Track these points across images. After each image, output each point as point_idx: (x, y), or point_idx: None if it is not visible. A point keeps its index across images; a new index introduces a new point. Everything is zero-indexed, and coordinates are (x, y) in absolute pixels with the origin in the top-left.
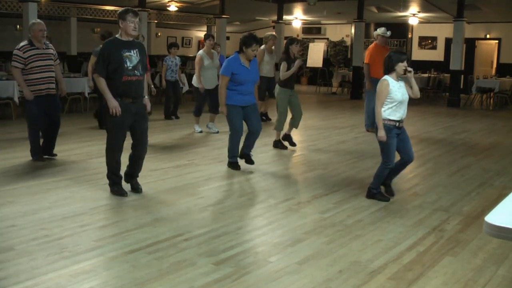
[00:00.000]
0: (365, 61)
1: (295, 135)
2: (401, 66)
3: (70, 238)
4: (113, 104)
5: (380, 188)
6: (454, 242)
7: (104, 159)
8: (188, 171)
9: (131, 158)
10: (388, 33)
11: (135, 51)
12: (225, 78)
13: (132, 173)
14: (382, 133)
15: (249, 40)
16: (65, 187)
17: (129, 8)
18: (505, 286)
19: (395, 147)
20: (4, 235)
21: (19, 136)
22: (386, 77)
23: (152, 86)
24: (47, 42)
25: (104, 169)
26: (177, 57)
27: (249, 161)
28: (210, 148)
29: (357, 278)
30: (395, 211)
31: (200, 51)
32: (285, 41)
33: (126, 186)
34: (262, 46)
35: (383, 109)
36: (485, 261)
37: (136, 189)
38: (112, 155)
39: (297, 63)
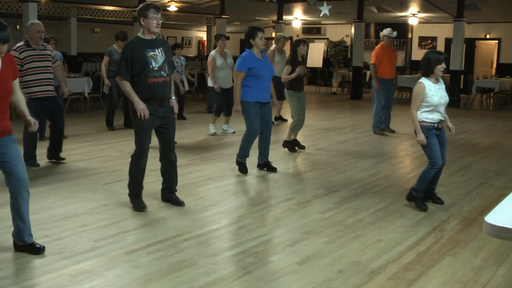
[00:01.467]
0: (371, 62)
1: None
2: (440, 68)
3: (70, 238)
4: (141, 107)
5: (422, 192)
6: (454, 242)
7: (102, 159)
8: (188, 171)
9: (164, 169)
10: (394, 33)
11: (159, 50)
12: (241, 74)
13: (170, 187)
14: (421, 137)
15: (253, 31)
16: (65, 187)
17: (150, 3)
18: (505, 286)
19: (437, 145)
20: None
21: (17, 137)
22: (423, 79)
23: (181, 85)
24: (45, 44)
25: (104, 169)
26: (182, 58)
27: (272, 168)
28: (210, 148)
29: (357, 278)
30: (395, 211)
31: (213, 52)
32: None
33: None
34: (273, 46)
35: (419, 111)
36: (485, 261)
37: (179, 203)
38: (139, 161)
39: (297, 70)
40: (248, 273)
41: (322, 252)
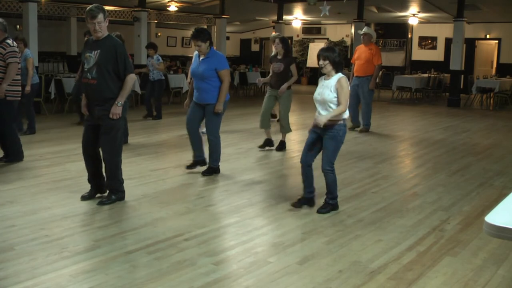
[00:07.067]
0: None
1: (295, 134)
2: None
3: (70, 238)
4: (82, 103)
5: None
6: (454, 242)
7: None
8: (187, 171)
9: (87, 158)
10: (364, 29)
11: (95, 52)
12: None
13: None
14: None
15: (191, 35)
16: (65, 187)
17: (89, 9)
18: (505, 286)
19: None
20: (4, 235)
21: None
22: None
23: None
24: (7, 42)
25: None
26: (154, 57)
27: (193, 166)
28: None
29: (357, 278)
30: (395, 211)
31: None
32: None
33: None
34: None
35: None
36: (485, 261)
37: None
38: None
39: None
40: (248, 273)
41: (322, 252)
